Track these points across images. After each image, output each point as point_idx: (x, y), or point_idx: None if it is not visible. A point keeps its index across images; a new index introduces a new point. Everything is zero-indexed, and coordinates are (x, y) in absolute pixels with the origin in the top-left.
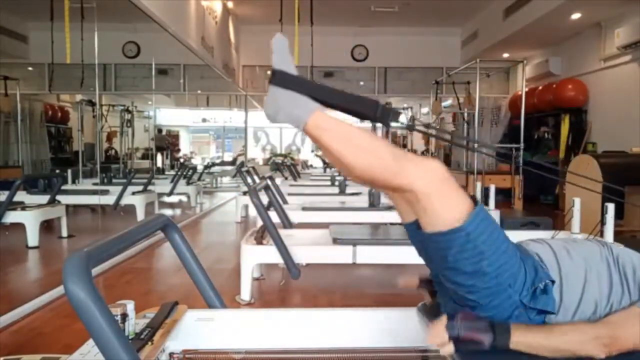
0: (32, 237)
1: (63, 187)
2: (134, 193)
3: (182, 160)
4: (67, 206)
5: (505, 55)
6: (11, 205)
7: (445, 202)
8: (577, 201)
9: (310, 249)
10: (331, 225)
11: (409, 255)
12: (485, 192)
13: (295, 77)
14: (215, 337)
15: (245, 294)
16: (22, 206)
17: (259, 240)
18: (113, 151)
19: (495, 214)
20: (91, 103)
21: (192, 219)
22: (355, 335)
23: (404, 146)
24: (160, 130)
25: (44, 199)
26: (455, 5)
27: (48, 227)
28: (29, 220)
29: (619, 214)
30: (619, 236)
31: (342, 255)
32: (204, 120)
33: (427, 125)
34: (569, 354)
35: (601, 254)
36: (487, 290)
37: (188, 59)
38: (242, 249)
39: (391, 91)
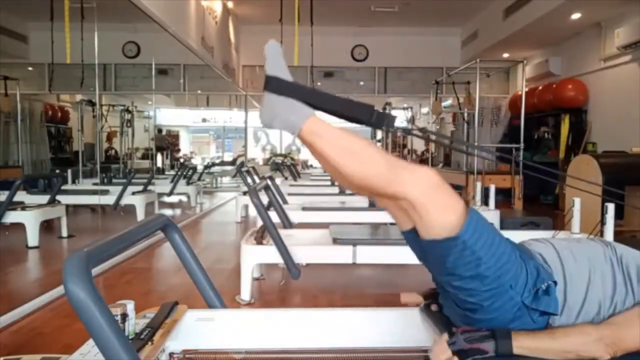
0: (32, 237)
1: (63, 187)
2: (134, 193)
3: (182, 160)
4: (67, 206)
5: (505, 55)
6: (11, 205)
7: (440, 209)
8: (577, 201)
9: (310, 249)
10: (331, 225)
11: (409, 255)
12: (485, 192)
13: (290, 83)
14: (215, 337)
15: (245, 294)
16: (22, 206)
17: (259, 240)
18: (113, 151)
19: (495, 214)
20: (91, 103)
21: (192, 219)
22: (355, 335)
23: (404, 146)
24: (160, 130)
25: (44, 199)
26: (455, 5)
27: (48, 227)
28: (29, 220)
29: (619, 214)
30: (619, 236)
31: (342, 255)
32: (204, 120)
33: (423, 130)
34: (573, 355)
35: (605, 254)
36: (488, 293)
37: (188, 59)
38: (242, 249)
39: (391, 91)
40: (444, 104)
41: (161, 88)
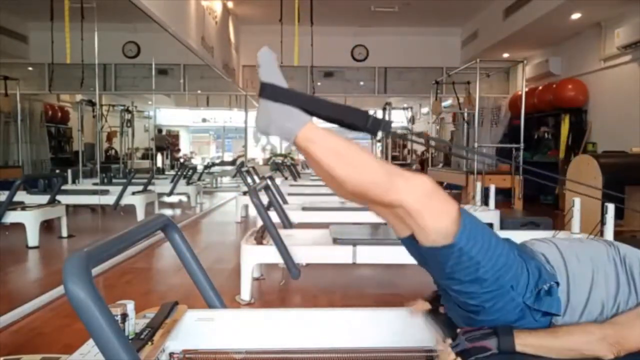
0: (32, 237)
1: (63, 187)
2: (134, 193)
3: (182, 160)
4: (67, 206)
5: (505, 55)
6: (11, 205)
7: (435, 215)
8: (577, 201)
9: (310, 249)
10: (331, 225)
11: (408, 255)
12: (485, 192)
13: (285, 90)
14: (215, 337)
15: (245, 294)
16: (22, 206)
17: (259, 240)
18: (113, 151)
19: (495, 214)
20: (91, 103)
21: (192, 219)
22: (355, 335)
23: (404, 147)
24: (160, 130)
25: (44, 199)
26: (455, 5)
27: (48, 227)
28: (29, 220)
29: (619, 214)
30: (619, 236)
31: (342, 255)
32: (204, 120)
33: (420, 134)
34: (577, 354)
35: (608, 254)
36: (489, 295)
37: (188, 59)
38: (242, 249)
39: (391, 91)
40: (444, 104)
41: (161, 88)
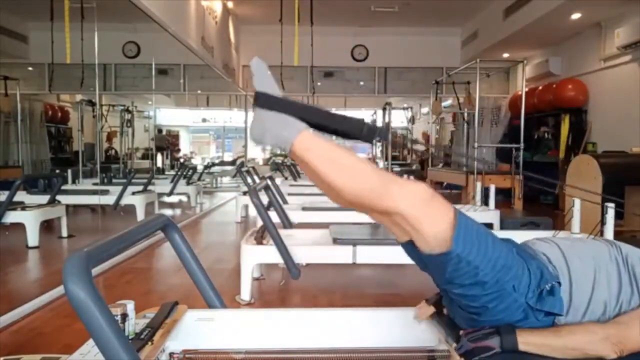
0: (32, 237)
1: (63, 187)
2: (134, 193)
3: (182, 160)
4: (67, 206)
5: (505, 55)
6: (11, 205)
7: (431, 221)
8: (577, 201)
9: (310, 249)
10: (331, 225)
11: None
12: (485, 192)
13: (279, 99)
14: (215, 337)
15: (245, 294)
16: (22, 206)
17: (259, 240)
18: (113, 151)
19: (495, 214)
20: (91, 103)
21: (192, 219)
22: (355, 335)
23: (404, 147)
24: (160, 130)
25: (44, 199)
26: (455, 5)
27: (48, 227)
28: (29, 220)
29: (619, 214)
30: (619, 236)
31: (342, 255)
32: (204, 120)
33: (416, 141)
34: (579, 353)
35: (610, 254)
36: (490, 296)
37: (188, 59)
38: (242, 249)
39: (391, 91)
40: (444, 104)
41: (161, 88)
